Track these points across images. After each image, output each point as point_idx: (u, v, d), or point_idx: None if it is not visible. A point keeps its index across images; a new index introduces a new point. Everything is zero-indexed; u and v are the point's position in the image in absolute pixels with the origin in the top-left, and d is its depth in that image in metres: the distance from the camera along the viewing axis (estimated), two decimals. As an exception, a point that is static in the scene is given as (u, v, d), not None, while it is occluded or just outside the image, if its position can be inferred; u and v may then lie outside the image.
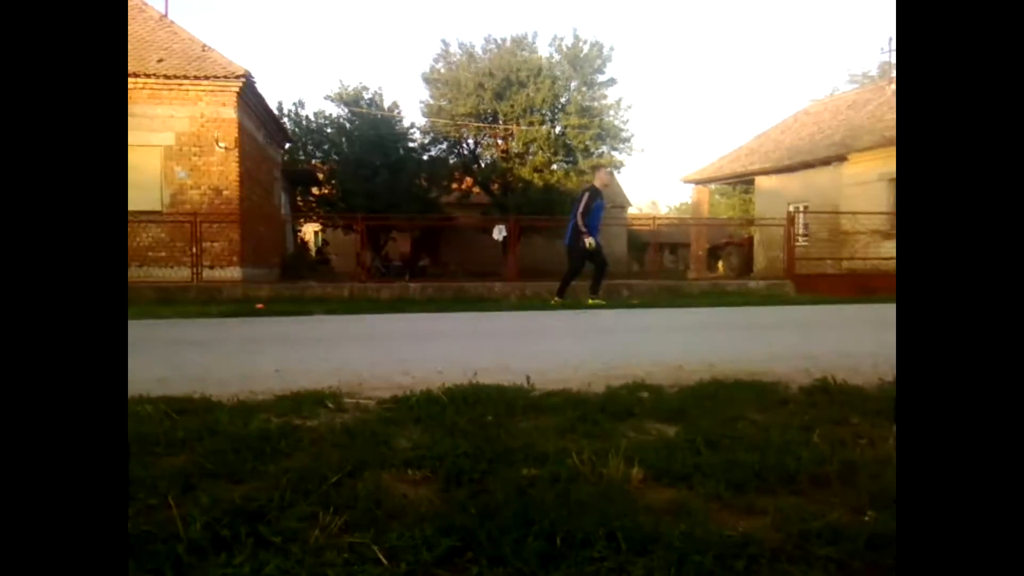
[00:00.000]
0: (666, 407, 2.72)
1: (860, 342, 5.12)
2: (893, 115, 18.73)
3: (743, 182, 25.19)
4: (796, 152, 20.79)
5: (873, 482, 1.82)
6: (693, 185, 24.74)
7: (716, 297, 11.58)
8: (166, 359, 4.15)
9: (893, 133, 17.51)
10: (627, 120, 24.83)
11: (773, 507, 1.66)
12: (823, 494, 1.79)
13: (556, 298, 9.53)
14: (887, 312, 8.29)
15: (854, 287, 12.91)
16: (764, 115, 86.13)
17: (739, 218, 30.62)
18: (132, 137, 13.66)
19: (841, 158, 18.52)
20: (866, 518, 1.61)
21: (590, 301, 9.36)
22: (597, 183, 9.64)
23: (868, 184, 17.69)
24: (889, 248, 14.97)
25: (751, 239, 21.09)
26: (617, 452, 1.97)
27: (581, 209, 9.17)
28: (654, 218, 26.61)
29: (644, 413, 2.65)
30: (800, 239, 15.63)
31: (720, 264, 22.29)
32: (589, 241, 9.16)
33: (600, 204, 9.37)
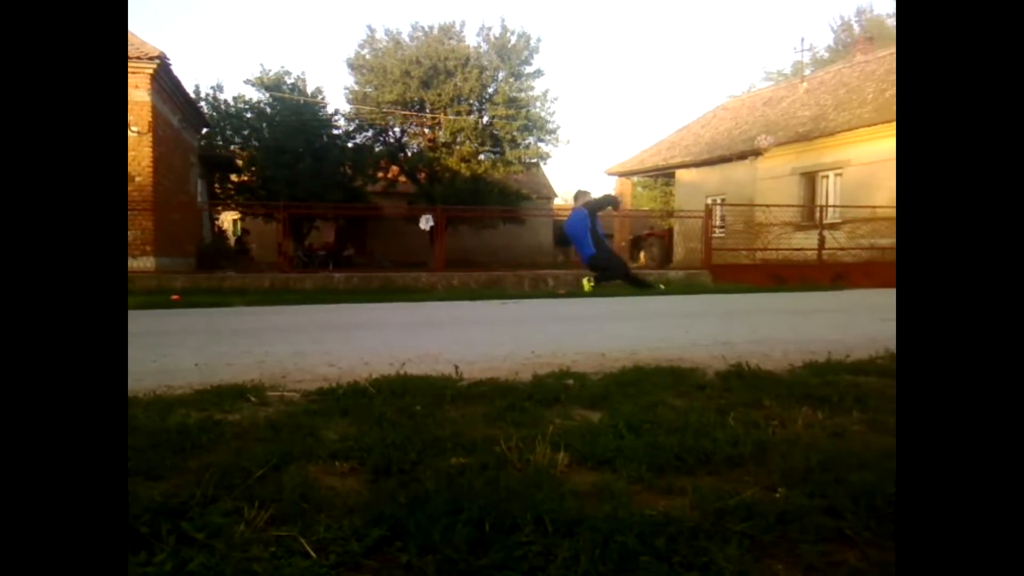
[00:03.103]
0: (590, 394, 2.79)
1: (772, 329, 5.37)
2: (805, 111, 19.59)
3: (664, 175, 25.84)
4: (714, 146, 21.48)
5: (783, 461, 1.93)
6: (616, 177, 25.21)
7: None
8: (74, 353, 3.95)
9: (805, 129, 18.33)
10: (553, 112, 25.06)
11: (691, 487, 1.74)
12: (737, 473, 1.89)
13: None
14: (797, 300, 8.71)
15: (767, 276, 13.50)
16: (685, 110, 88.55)
17: (660, 210, 31.40)
18: (32, 118, 12.82)
19: (756, 153, 19.26)
20: (777, 495, 1.71)
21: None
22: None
23: (781, 178, 18.48)
24: (800, 239, 15.70)
25: (671, 230, 21.69)
26: (544, 438, 2.02)
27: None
28: (579, 209, 27.12)
29: (570, 400, 2.72)
30: (717, 231, 16.20)
31: (642, 254, 22.82)
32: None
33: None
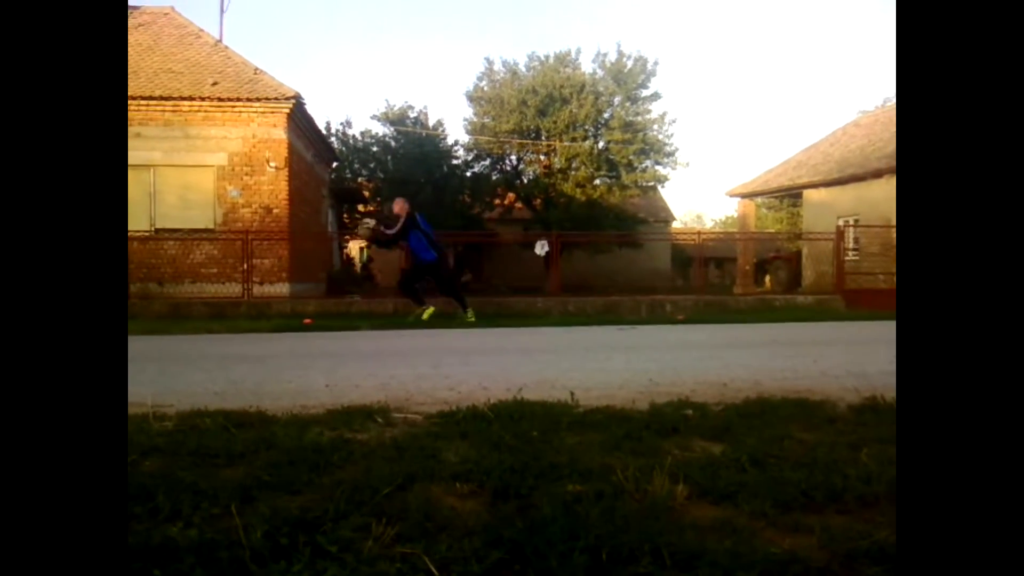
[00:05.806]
0: (711, 425, 2.72)
1: (913, 359, 4.99)
2: (947, 125, 18.24)
3: (791, 195, 24.75)
4: (846, 165, 20.35)
5: (923, 503, 1.80)
6: (739, 199, 24.42)
7: (763, 313, 11.40)
8: (222, 374, 4.30)
9: (947, 144, 17.05)
10: (671, 134, 24.64)
11: (819, 526, 1.66)
12: (870, 513, 1.78)
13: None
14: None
15: (907, 302, 12.55)
16: (811, 128, 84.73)
17: (787, 232, 30.04)
18: (188, 158, 14.17)
19: (893, 170, 18.08)
20: (915, 539, 1.60)
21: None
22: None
23: (921, 196, 17.24)
24: (944, 262, 14.54)
25: (799, 253, 20.69)
26: (662, 469, 1.99)
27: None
28: (699, 232, 26.41)
29: (689, 431, 2.66)
30: (850, 253, 15.28)
31: (767, 279, 21.89)
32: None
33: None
